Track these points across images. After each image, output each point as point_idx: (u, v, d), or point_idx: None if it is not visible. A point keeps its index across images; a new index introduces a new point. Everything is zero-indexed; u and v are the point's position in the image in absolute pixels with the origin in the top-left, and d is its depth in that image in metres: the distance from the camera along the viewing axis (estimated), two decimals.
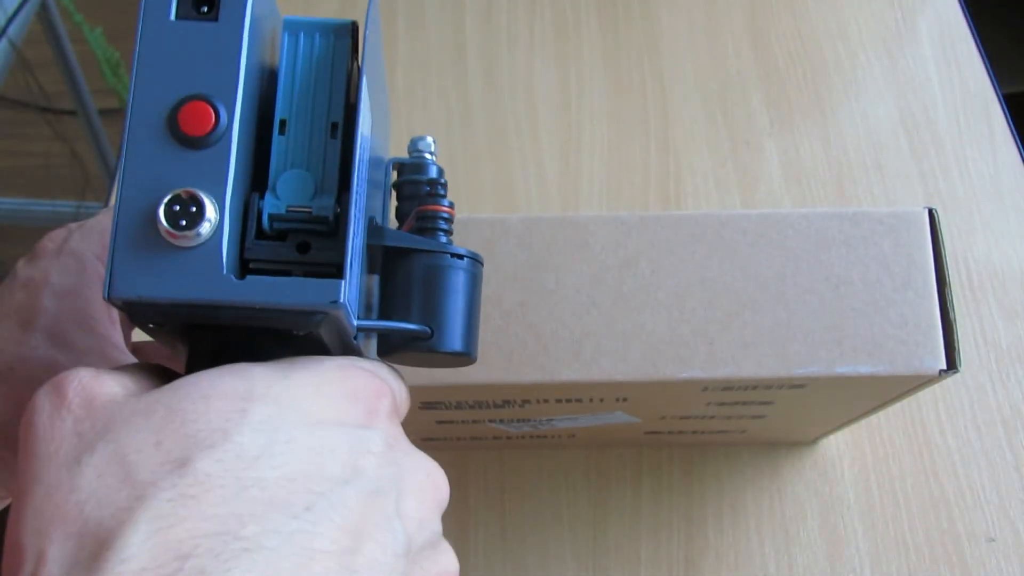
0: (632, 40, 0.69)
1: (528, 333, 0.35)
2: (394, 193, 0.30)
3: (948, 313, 0.35)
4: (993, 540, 0.49)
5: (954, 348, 0.35)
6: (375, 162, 0.28)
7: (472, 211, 0.61)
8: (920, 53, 0.68)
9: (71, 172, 1.49)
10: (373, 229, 0.27)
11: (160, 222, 0.22)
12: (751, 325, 0.35)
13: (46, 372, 0.30)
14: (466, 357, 0.28)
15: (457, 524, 0.50)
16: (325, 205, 0.24)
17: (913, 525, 0.50)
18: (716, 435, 0.49)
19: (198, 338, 0.25)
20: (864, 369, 0.35)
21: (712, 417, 0.44)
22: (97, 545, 0.18)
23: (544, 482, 0.51)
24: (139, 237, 0.22)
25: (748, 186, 0.62)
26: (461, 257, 0.28)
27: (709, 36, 0.69)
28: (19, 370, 0.30)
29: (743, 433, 0.49)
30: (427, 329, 0.27)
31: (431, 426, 0.44)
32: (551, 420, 0.44)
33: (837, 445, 0.52)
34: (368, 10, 0.26)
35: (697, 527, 0.50)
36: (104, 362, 0.32)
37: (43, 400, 0.21)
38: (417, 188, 0.29)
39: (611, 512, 0.50)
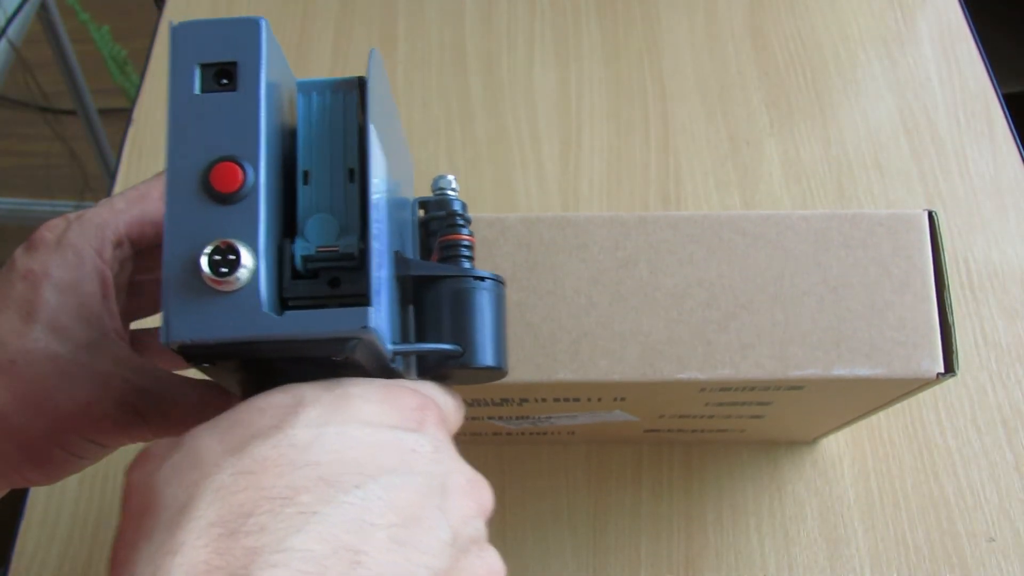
0: (632, 40, 0.69)
1: (526, 333, 0.35)
2: (423, 230, 0.33)
3: (947, 316, 0.35)
4: (993, 540, 0.49)
5: (952, 351, 0.34)
6: (399, 202, 0.31)
7: (472, 211, 0.61)
8: (920, 53, 0.68)
9: (71, 172, 1.49)
10: (400, 261, 0.30)
11: (203, 271, 0.24)
12: (749, 326, 0.35)
13: (47, 365, 0.31)
14: (498, 371, 0.30)
15: None
16: (350, 243, 0.27)
17: (913, 525, 0.50)
18: (715, 434, 0.49)
19: (250, 371, 0.28)
20: (862, 371, 0.34)
21: (711, 417, 0.44)
22: (177, 513, 0.22)
23: (544, 481, 0.51)
24: (186, 286, 0.25)
25: (748, 186, 0.62)
26: (483, 279, 0.30)
27: (709, 36, 0.69)
28: (20, 363, 0.30)
29: (742, 432, 0.49)
30: (459, 348, 0.30)
31: None
32: (550, 418, 0.44)
33: (837, 445, 0.52)
34: (369, 67, 0.28)
35: (697, 526, 0.50)
36: (104, 356, 0.32)
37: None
38: (442, 223, 0.32)
39: (611, 511, 0.50)
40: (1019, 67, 1.10)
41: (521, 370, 0.35)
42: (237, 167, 0.25)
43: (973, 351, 0.55)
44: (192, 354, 0.26)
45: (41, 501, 0.51)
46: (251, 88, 0.26)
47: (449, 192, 0.32)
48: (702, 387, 0.36)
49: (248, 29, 0.27)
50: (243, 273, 0.24)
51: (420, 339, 0.30)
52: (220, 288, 0.25)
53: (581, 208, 0.61)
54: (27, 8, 1.09)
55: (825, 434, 0.51)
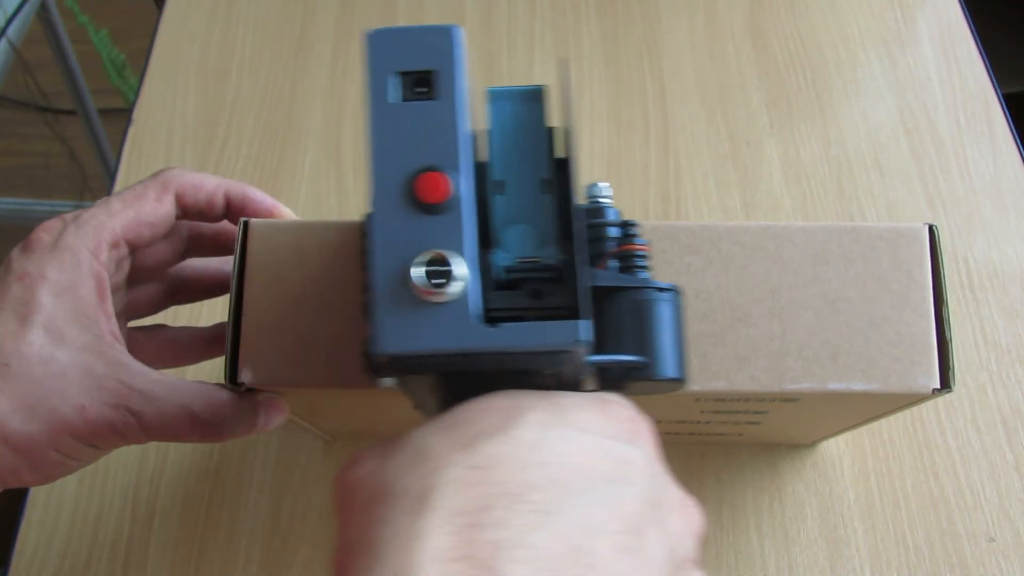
0: (632, 40, 0.69)
1: None
2: None
3: (944, 332, 0.35)
4: (993, 540, 0.49)
5: (949, 367, 0.34)
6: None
7: None
8: (920, 53, 0.68)
9: (70, 172, 1.49)
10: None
11: (415, 283, 0.25)
12: (745, 339, 0.35)
13: (42, 367, 0.31)
14: (680, 382, 0.30)
15: None
16: (551, 254, 0.27)
17: (913, 525, 0.50)
18: (713, 436, 0.49)
19: (451, 385, 0.28)
20: (857, 386, 0.34)
21: (707, 423, 0.44)
22: (416, 501, 0.23)
23: None
24: (395, 297, 0.25)
25: (748, 186, 0.62)
26: (665, 290, 0.30)
27: (709, 36, 0.69)
28: (15, 366, 0.30)
29: (740, 436, 0.49)
30: (645, 360, 0.29)
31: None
32: None
33: (837, 445, 0.52)
34: (564, 75, 0.28)
35: None
36: (99, 358, 0.32)
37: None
38: (600, 231, 0.31)
39: None
40: (1019, 67, 1.10)
41: None
42: (442, 177, 0.25)
43: (973, 351, 0.55)
44: (402, 365, 0.26)
45: (41, 501, 0.51)
46: (449, 96, 0.26)
47: (603, 199, 0.32)
48: (697, 397, 0.36)
49: (445, 37, 0.27)
50: (456, 285, 0.25)
51: (599, 350, 0.29)
52: (431, 299, 0.25)
53: None
54: (27, 8, 1.09)
55: (822, 439, 0.51)
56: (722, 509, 0.51)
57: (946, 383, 0.34)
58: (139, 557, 0.50)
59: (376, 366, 0.26)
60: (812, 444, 0.52)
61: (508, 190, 0.28)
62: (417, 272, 0.24)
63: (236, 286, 0.35)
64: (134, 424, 0.32)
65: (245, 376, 0.34)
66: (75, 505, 0.51)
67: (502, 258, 0.27)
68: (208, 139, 0.65)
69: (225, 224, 0.39)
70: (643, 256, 0.31)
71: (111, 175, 0.64)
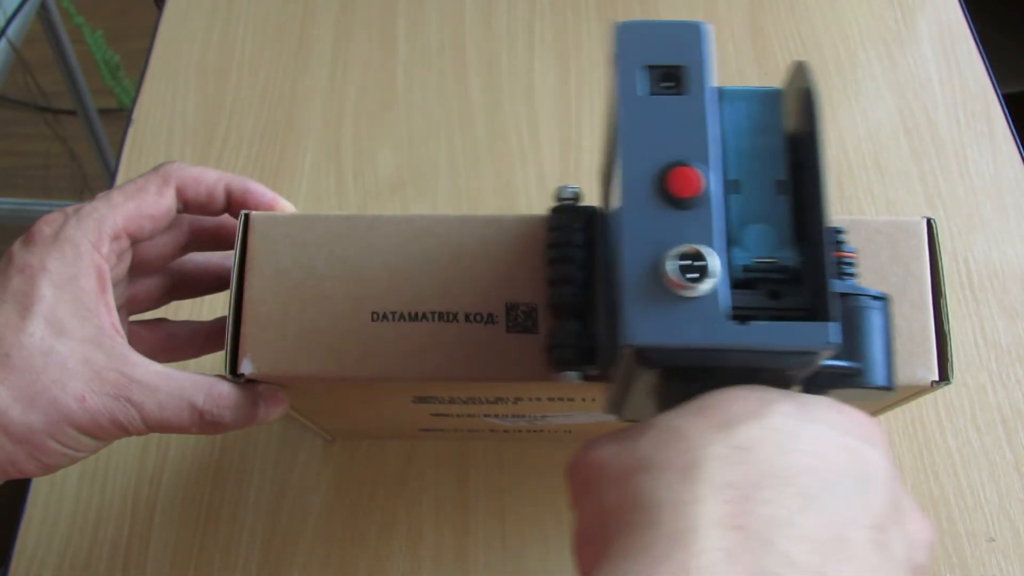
0: None
1: (520, 332, 0.35)
2: None
3: (943, 325, 0.35)
4: (993, 540, 0.49)
5: (947, 360, 0.35)
6: None
7: (472, 211, 0.61)
8: (920, 53, 0.68)
9: (70, 172, 1.49)
10: None
11: (669, 276, 0.25)
12: None
13: (43, 359, 0.31)
14: (889, 390, 0.30)
15: (457, 523, 0.50)
16: (789, 256, 0.27)
17: None
18: None
19: (678, 378, 0.28)
20: None
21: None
22: (684, 472, 0.24)
23: (545, 481, 0.51)
24: (646, 290, 0.25)
25: None
26: (879, 299, 0.30)
27: None
28: (16, 357, 0.31)
29: None
30: (858, 366, 0.29)
31: (426, 418, 0.44)
32: (545, 417, 0.43)
33: None
34: (807, 76, 0.28)
35: None
36: (100, 349, 0.32)
37: None
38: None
39: None
40: (1019, 67, 1.10)
41: (515, 368, 0.35)
42: (694, 172, 0.26)
43: (973, 351, 0.55)
44: (648, 357, 0.26)
45: (41, 500, 0.51)
46: (699, 92, 0.27)
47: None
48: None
49: (693, 33, 0.27)
50: (709, 281, 0.25)
51: None
52: (682, 293, 0.25)
53: None
54: (27, 8, 1.09)
55: None
56: None
57: (945, 375, 0.34)
58: (139, 557, 0.50)
59: (641, 357, 0.26)
60: None
61: (743, 189, 0.28)
62: (672, 266, 0.25)
63: (236, 278, 0.35)
64: (135, 415, 0.32)
65: (245, 367, 0.34)
66: (75, 505, 0.51)
67: (739, 257, 0.27)
68: (208, 139, 0.65)
69: (226, 218, 0.39)
70: (851, 263, 0.31)
71: (111, 175, 0.64)
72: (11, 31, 1.07)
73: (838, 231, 0.32)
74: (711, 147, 0.26)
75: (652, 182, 0.26)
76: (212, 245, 0.40)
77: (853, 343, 0.29)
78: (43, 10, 1.13)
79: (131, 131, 0.65)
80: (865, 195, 0.61)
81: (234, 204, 0.37)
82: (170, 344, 0.40)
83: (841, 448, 0.25)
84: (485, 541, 0.50)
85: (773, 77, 0.67)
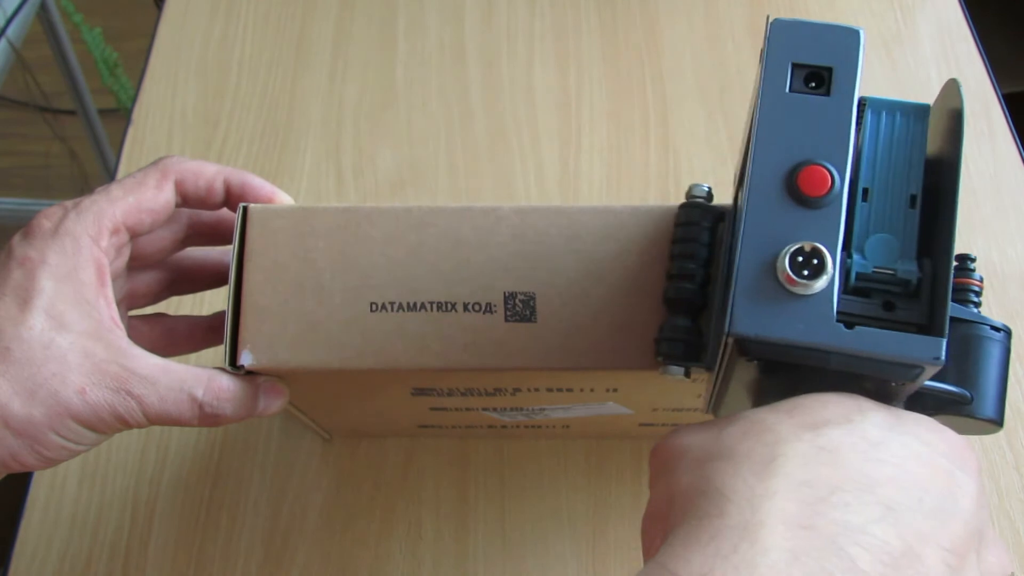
0: (632, 40, 0.69)
1: (518, 321, 0.35)
2: None
3: None
4: None
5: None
6: None
7: None
8: (920, 53, 0.68)
9: (71, 172, 1.49)
10: None
11: (784, 270, 0.25)
12: None
13: (43, 352, 0.31)
14: (997, 425, 0.30)
15: (457, 522, 0.50)
16: (909, 269, 0.26)
17: None
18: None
19: (778, 376, 0.28)
20: None
21: (706, 411, 0.44)
22: (764, 464, 0.24)
23: (544, 479, 0.51)
24: (759, 282, 0.25)
25: None
26: (1000, 330, 0.30)
27: (709, 36, 0.69)
28: (16, 350, 0.31)
29: None
30: (968, 394, 0.29)
31: (425, 413, 0.44)
32: (543, 410, 0.44)
33: None
34: (960, 93, 0.27)
35: None
36: (100, 342, 0.32)
37: None
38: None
39: (611, 510, 0.50)
40: (1019, 67, 1.10)
41: (514, 357, 0.35)
42: (826, 172, 0.26)
43: None
44: (750, 348, 0.26)
45: (41, 502, 0.51)
46: (845, 96, 0.27)
47: None
48: (694, 378, 0.36)
49: (848, 37, 0.28)
50: (822, 280, 0.25)
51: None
52: (794, 290, 0.25)
53: None
54: (27, 8, 1.09)
55: None
56: None
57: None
58: (139, 557, 0.50)
59: (743, 349, 0.26)
60: None
61: (872, 198, 0.28)
62: (787, 261, 0.25)
63: (235, 271, 0.35)
64: (135, 408, 0.32)
65: (245, 359, 0.35)
66: (75, 505, 0.51)
67: (858, 263, 0.27)
68: (208, 139, 0.65)
69: (225, 212, 0.39)
70: (978, 292, 0.31)
71: (111, 175, 0.64)
72: (11, 31, 1.07)
73: (969, 258, 0.32)
74: (851, 150, 0.26)
75: (782, 176, 0.26)
76: (211, 239, 0.40)
77: (967, 371, 0.29)
78: (43, 10, 1.13)
79: (131, 131, 0.65)
80: None
81: (233, 198, 0.37)
82: (169, 338, 0.40)
83: (929, 466, 0.25)
84: (485, 541, 0.50)
85: None
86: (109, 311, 0.33)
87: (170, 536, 0.51)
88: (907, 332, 0.25)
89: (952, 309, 0.28)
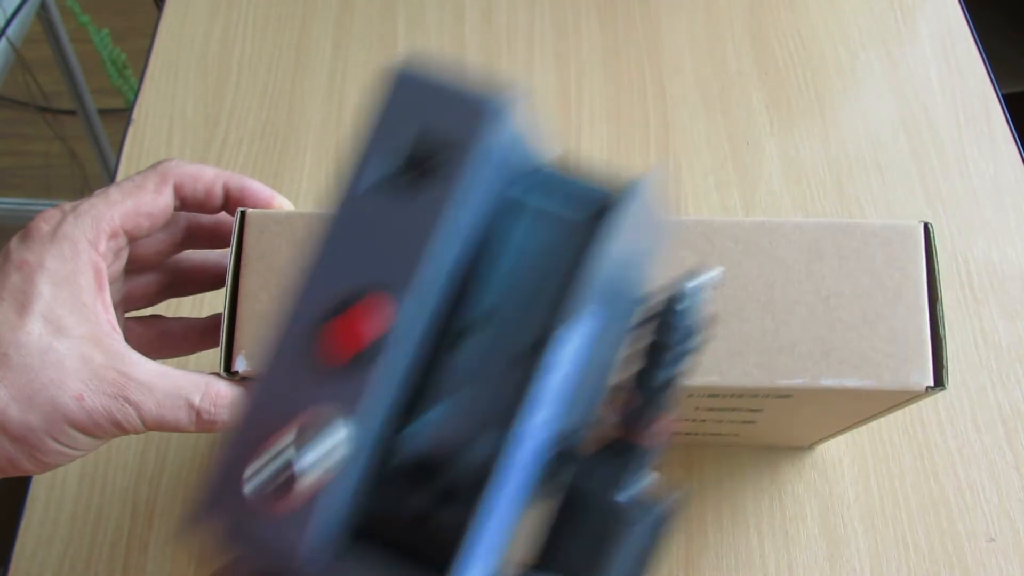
0: (632, 40, 0.69)
1: None
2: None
3: (938, 329, 0.35)
4: (993, 540, 0.49)
5: (942, 365, 0.34)
6: (600, 366, 0.22)
7: None
8: (920, 53, 0.68)
9: (71, 172, 1.49)
10: (562, 456, 0.21)
11: (250, 494, 0.17)
12: (738, 334, 0.35)
13: (41, 357, 0.31)
14: None
15: None
16: (480, 452, 0.19)
17: (913, 525, 0.50)
18: (710, 437, 0.49)
19: None
20: (850, 382, 0.34)
21: (702, 421, 0.44)
22: None
23: None
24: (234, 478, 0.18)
25: (748, 186, 0.62)
26: (650, 510, 0.21)
27: (709, 36, 0.69)
28: (14, 355, 0.31)
29: (736, 437, 0.49)
30: None
31: None
32: None
33: (837, 445, 0.52)
34: (638, 187, 0.20)
35: (697, 526, 0.50)
36: (98, 347, 0.32)
37: None
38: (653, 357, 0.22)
39: None
40: (1019, 67, 1.10)
41: None
42: (375, 317, 0.18)
43: (973, 352, 0.55)
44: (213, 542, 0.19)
45: (41, 502, 0.51)
46: (446, 198, 0.19)
47: (679, 308, 0.22)
48: (690, 392, 0.36)
49: (477, 112, 0.20)
50: (307, 480, 0.17)
51: (541, 561, 0.21)
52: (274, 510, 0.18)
53: None
54: (27, 8, 1.09)
55: (821, 441, 0.51)
56: (722, 509, 0.51)
57: (940, 381, 0.34)
58: (139, 557, 0.50)
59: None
60: (810, 446, 0.52)
61: (470, 343, 0.20)
62: (255, 481, 0.17)
63: (232, 276, 0.35)
64: (132, 414, 0.32)
65: (240, 365, 0.34)
66: (75, 505, 0.51)
67: (412, 439, 0.19)
68: (208, 139, 0.65)
69: (223, 216, 0.39)
70: (647, 451, 0.22)
71: (111, 175, 0.64)
72: (11, 31, 1.07)
73: (667, 389, 0.22)
74: (424, 279, 0.18)
75: (313, 323, 0.18)
76: (209, 243, 0.40)
77: (594, 563, 0.21)
78: (43, 10, 1.13)
79: (131, 131, 0.65)
80: (865, 195, 0.61)
81: (232, 202, 0.37)
82: (165, 341, 0.40)
83: None
84: None
85: (773, 77, 0.67)
86: (107, 315, 0.33)
87: (170, 536, 0.51)
88: (443, 546, 0.18)
89: (591, 477, 0.21)
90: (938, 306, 0.35)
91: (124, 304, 0.39)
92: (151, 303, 0.40)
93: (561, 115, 0.66)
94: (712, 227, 0.36)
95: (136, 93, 0.68)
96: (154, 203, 0.35)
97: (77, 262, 0.32)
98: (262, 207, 0.37)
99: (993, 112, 0.64)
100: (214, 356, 0.41)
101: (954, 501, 0.50)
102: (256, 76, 0.68)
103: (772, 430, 0.46)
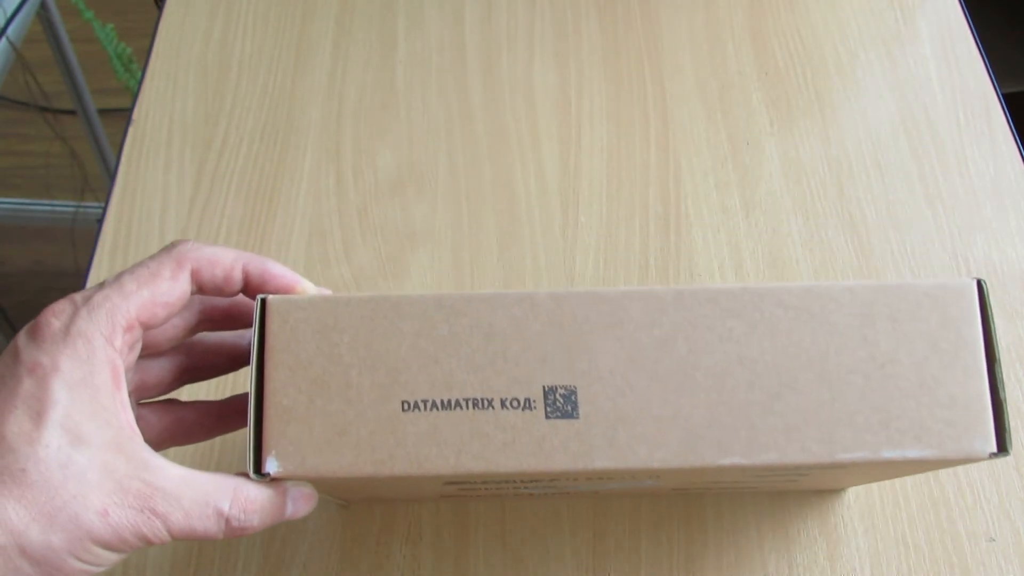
0: (632, 40, 0.69)
1: (559, 418, 0.34)
2: None
3: (998, 392, 0.34)
4: (993, 540, 0.49)
5: (1005, 429, 0.33)
6: None
7: (472, 213, 0.61)
8: (920, 53, 0.68)
9: (71, 172, 1.49)
10: None
11: None
12: (794, 408, 0.34)
13: (61, 472, 0.29)
14: None
15: (457, 525, 0.50)
16: None
17: (913, 525, 0.50)
18: (739, 487, 0.49)
19: None
20: (911, 453, 0.33)
21: (743, 483, 0.43)
22: None
23: None
24: None
25: (748, 186, 0.62)
26: None
27: (709, 36, 0.69)
28: (32, 472, 0.29)
29: (771, 487, 0.48)
30: None
31: (453, 491, 0.43)
32: (577, 485, 0.43)
33: None
34: None
35: (697, 526, 0.50)
36: (119, 456, 0.30)
37: None
38: None
39: (611, 511, 0.50)
40: (1019, 67, 1.10)
41: (555, 458, 0.33)
42: None
43: None
44: None
45: None
46: None
47: None
48: (744, 470, 0.35)
49: None
50: None
51: None
52: None
53: (581, 208, 0.61)
54: (27, 8, 1.09)
55: (854, 485, 0.50)
56: (722, 509, 0.51)
57: (1003, 446, 0.33)
58: (139, 558, 0.50)
59: None
60: (841, 490, 0.51)
61: None
62: None
63: (256, 369, 0.34)
64: (160, 527, 0.31)
65: (271, 466, 0.33)
66: None
67: None
68: (208, 139, 0.65)
69: (240, 297, 0.37)
70: None
71: (111, 175, 0.64)
72: (11, 31, 1.07)
73: None
74: None
75: None
76: (224, 325, 0.38)
77: None
78: (43, 10, 1.13)
79: (131, 131, 0.65)
80: (865, 195, 0.61)
81: (251, 286, 0.35)
82: (179, 429, 0.38)
83: None
84: (485, 541, 0.50)
85: (773, 77, 0.67)
86: (126, 416, 0.31)
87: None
88: None
89: None
90: (997, 367, 0.34)
91: (137, 392, 0.37)
92: (166, 391, 0.38)
93: (561, 115, 0.66)
94: (759, 294, 0.34)
95: (136, 93, 0.68)
96: (171, 291, 0.33)
97: (93, 362, 0.31)
98: (284, 291, 0.35)
99: (993, 112, 0.64)
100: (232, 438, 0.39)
101: (954, 501, 0.50)
102: (256, 76, 0.68)
103: (810, 484, 0.45)
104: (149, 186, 0.63)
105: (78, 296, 0.32)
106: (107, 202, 0.63)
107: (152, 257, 0.34)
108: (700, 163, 0.63)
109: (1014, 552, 0.49)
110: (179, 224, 0.61)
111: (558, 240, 0.60)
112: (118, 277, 0.33)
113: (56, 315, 0.31)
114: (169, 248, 0.34)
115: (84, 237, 1.46)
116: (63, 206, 1.39)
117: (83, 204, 1.39)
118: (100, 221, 0.62)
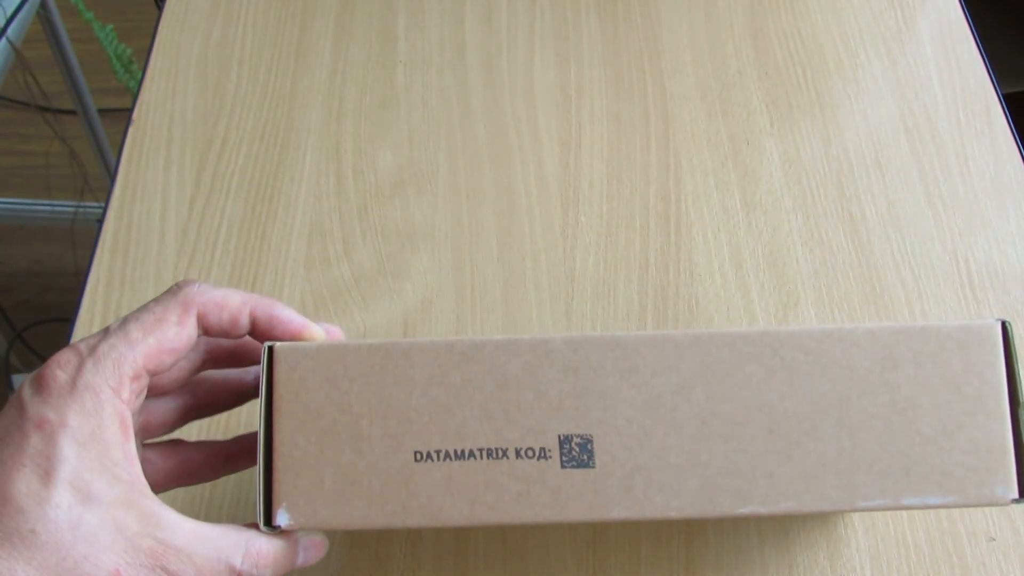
0: (632, 40, 0.69)
1: (575, 467, 0.33)
2: None
3: (1021, 436, 0.33)
4: (993, 540, 0.49)
5: None
6: None
7: (472, 212, 0.61)
8: (920, 53, 0.68)
9: (71, 172, 1.49)
10: None
11: None
12: (813, 455, 0.33)
13: (72, 532, 0.28)
14: None
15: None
16: None
17: (913, 525, 0.50)
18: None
19: None
20: (932, 500, 0.33)
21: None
22: None
23: None
24: None
25: (748, 186, 0.62)
26: None
27: (709, 36, 0.69)
28: (42, 533, 0.28)
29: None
30: None
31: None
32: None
33: None
34: None
35: (697, 526, 0.50)
36: (130, 513, 0.30)
37: None
38: None
39: None
40: (1019, 67, 1.10)
41: (571, 509, 0.33)
42: None
43: None
44: None
45: None
46: None
47: None
48: (760, 516, 0.35)
49: None
50: None
51: None
52: None
53: (581, 208, 0.61)
54: (27, 8, 1.09)
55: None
56: None
57: None
58: None
59: None
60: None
61: None
62: None
63: (264, 418, 0.33)
64: None
65: (282, 519, 0.33)
66: None
67: None
68: (208, 139, 0.65)
69: (244, 338, 0.36)
70: None
71: (111, 175, 0.64)
72: (11, 31, 1.07)
73: None
74: None
75: None
76: (230, 364, 0.38)
77: None
78: (43, 10, 1.13)
79: (131, 131, 0.65)
80: (865, 195, 0.61)
81: (259, 331, 0.34)
82: (185, 470, 0.38)
83: None
84: (485, 541, 0.50)
85: (773, 77, 0.67)
86: (136, 469, 0.31)
87: None
88: None
89: None
90: (1020, 411, 0.33)
91: (142, 433, 0.36)
92: (171, 429, 0.38)
93: (561, 115, 0.66)
94: (779, 338, 0.34)
95: (136, 93, 0.68)
96: (177, 338, 0.33)
97: (101, 416, 0.30)
98: (292, 337, 0.35)
99: (993, 112, 0.64)
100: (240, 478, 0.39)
101: None
102: (256, 76, 0.68)
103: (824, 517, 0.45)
104: (149, 186, 0.63)
105: (83, 346, 0.31)
106: (107, 202, 0.63)
107: (157, 301, 0.33)
108: (700, 163, 0.63)
109: (1014, 552, 0.49)
110: (179, 224, 0.61)
111: (558, 240, 0.60)
112: (123, 324, 0.32)
113: (62, 367, 0.31)
114: (175, 291, 0.34)
115: (84, 237, 1.47)
116: (63, 206, 1.39)
117: (83, 204, 1.39)
118: (100, 221, 0.62)
